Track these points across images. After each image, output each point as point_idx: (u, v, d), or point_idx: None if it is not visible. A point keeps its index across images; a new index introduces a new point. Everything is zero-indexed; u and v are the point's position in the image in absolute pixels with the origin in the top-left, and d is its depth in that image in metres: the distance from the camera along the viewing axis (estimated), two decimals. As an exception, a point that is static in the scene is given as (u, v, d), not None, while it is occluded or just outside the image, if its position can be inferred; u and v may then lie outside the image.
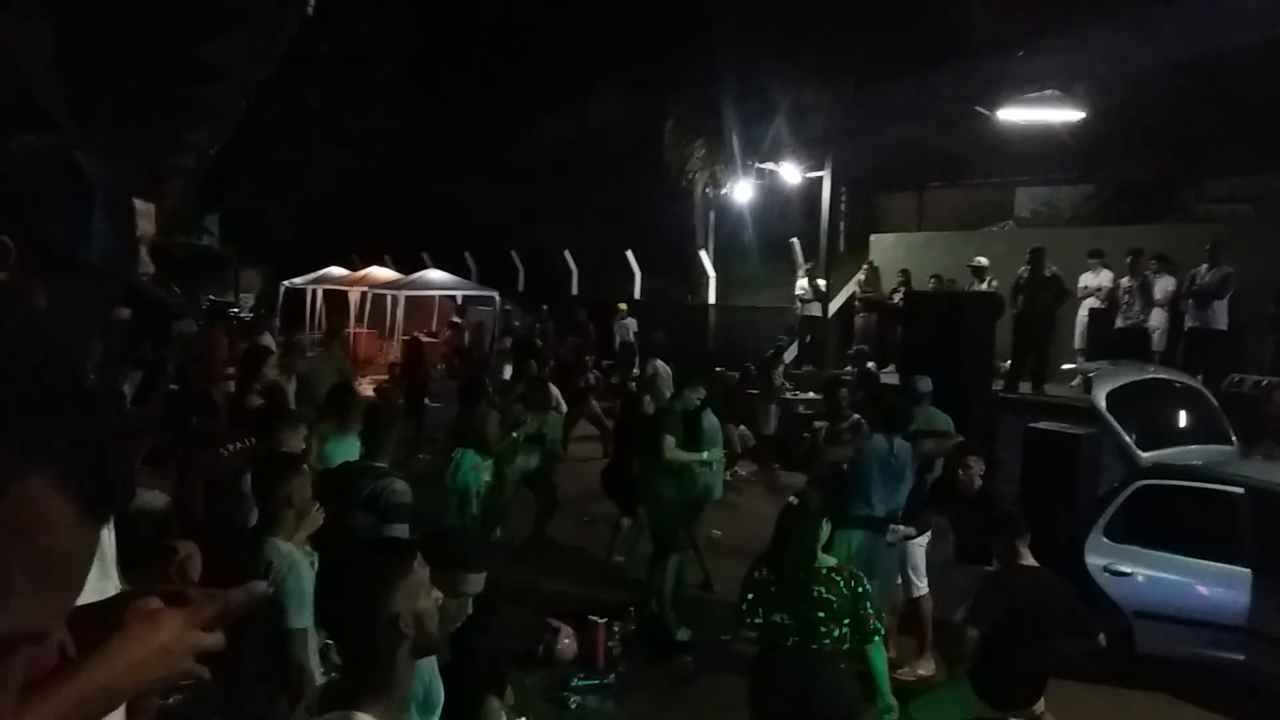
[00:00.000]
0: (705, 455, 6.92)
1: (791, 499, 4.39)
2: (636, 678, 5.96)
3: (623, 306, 19.07)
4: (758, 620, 4.21)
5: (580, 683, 5.74)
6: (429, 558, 2.33)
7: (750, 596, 4.27)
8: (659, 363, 12.00)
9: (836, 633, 4.00)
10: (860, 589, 4.06)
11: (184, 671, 1.09)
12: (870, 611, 4.07)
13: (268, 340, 11.36)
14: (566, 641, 6.07)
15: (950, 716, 4.65)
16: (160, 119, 5.50)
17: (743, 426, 11.48)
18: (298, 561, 3.26)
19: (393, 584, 1.94)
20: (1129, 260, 12.00)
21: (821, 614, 4.00)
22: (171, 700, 4.28)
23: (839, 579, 4.07)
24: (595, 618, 6.16)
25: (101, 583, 1.69)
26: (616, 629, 6.26)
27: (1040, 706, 4.61)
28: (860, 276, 16.73)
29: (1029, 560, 4.76)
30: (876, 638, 4.08)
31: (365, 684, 1.89)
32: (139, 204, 1.49)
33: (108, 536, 1.67)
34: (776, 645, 4.16)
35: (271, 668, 3.31)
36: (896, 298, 15.14)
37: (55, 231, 1.10)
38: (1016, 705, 4.60)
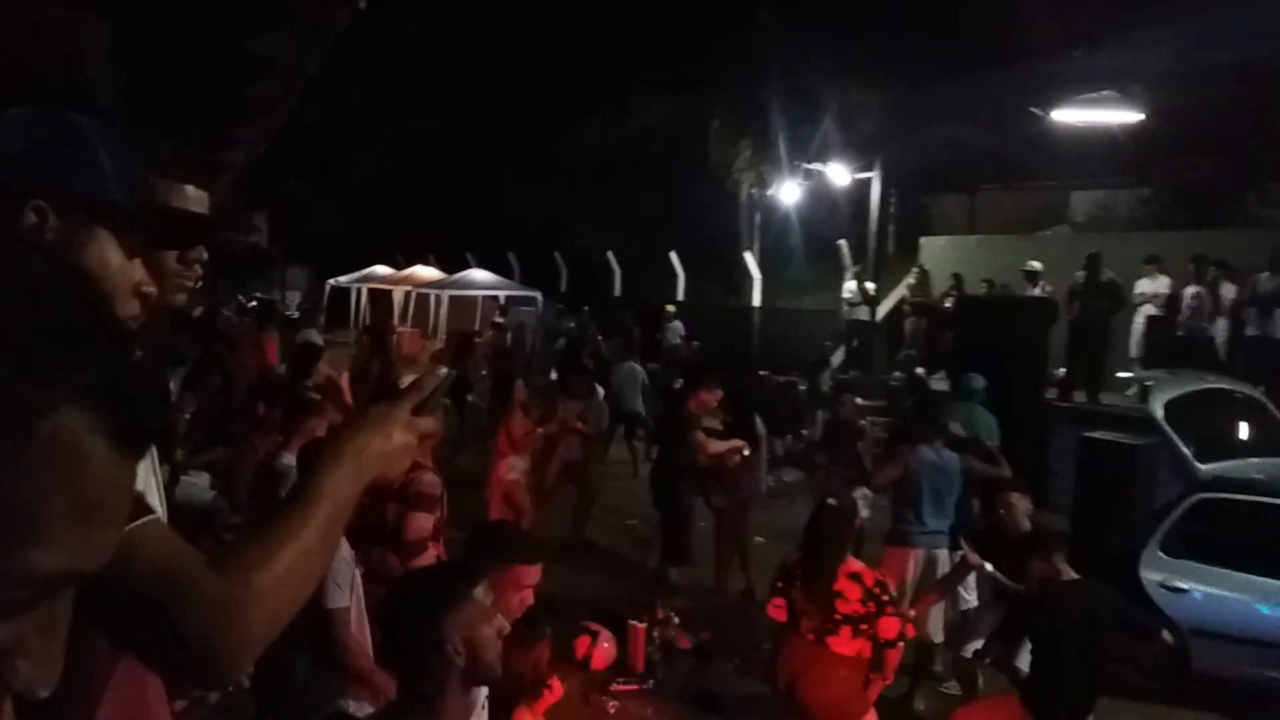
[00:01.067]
0: (735, 445, 6.89)
1: (830, 500, 4.39)
2: (675, 683, 5.89)
3: (670, 309, 18.98)
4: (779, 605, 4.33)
5: (617, 686, 5.69)
6: (484, 551, 2.33)
7: (779, 585, 4.39)
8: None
9: (852, 635, 4.04)
10: (885, 597, 4.08)
11: (412, 456, 1.26)
12: (893, 616, 4.09)
13: (315, 337, 11.50)
14: (605, 645, 6.02)
15: None
16: (211, 114, 5.58)
17: (789, 437, 11.38)
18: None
19: (446, 608, 1.92)
20: (1192, 267, 11.68)
21: (839, 615, 4.06)
22: (214, 698, 4.33)
23: (862, 584, 4.11)
24: (635, 621, 6.11)
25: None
26: (656, 633, 6.20)
27: None
28: (910, 280, 16.50)
29: (1069, 574, 4.64)
30: (902, 641, 4.08)
31: (413, 706, 1.87)
32: (193, 190, 1.48)
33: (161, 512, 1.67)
34: (795, 630, 4.22)
35: (309, 654, 3.33)
36: (948, 302, 14.91)
37: (71, 180, 1.09)
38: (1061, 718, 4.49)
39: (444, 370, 1.46)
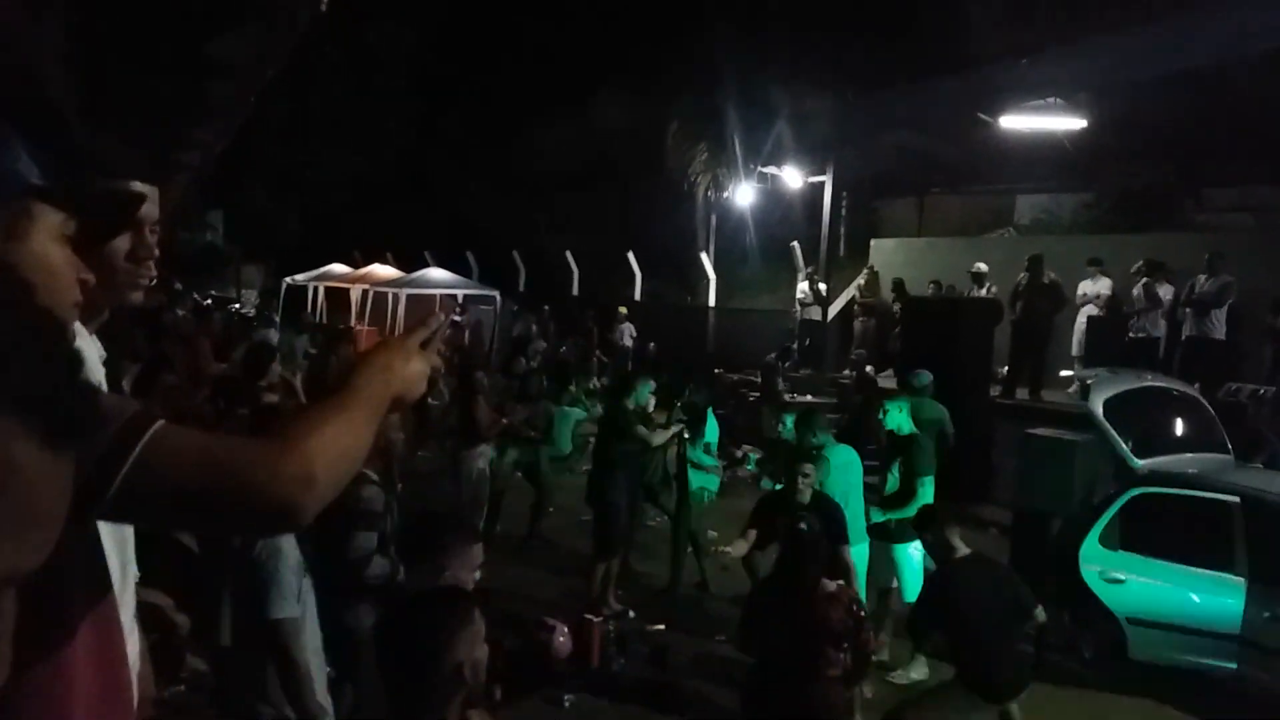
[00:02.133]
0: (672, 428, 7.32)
1: (801, 525, 4.39)
2: (631, 677, 5.99)
3: (622, 310, 19.12)
4: (754, 642, 4.30)
5: (575, 681, 5.77)
6: (414, 549, 2.32)
7: (751, 621, 4.37)
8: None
9: (836, 658, 4.04)
10: (862, 613, 4.12)
11: (422, 388, 1.36)
12: (869, 636, 4.12)
13: (273, 337, 11.37)
14: (561, 640, 6.09)
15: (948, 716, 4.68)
16: (167, 115, 5.52)
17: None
18: (280, 548, 3.24)
19: (458, 634, 1.94)
20: (1139, 268, 11.94)
21: (821, 640, 4.05)
22: (167, 693, 4.32)
23: (840, 605, 4.12)
24: (591, 616, 6.20)
25: (123, 569, 1.72)
26: (611, 628, 6.29)
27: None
28: (860, 281, 16.79)
29: (964, 550, 4.80)
30: (873, 659, 4.11)
31: None
32: (143, 187, 1.50)
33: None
34: (773, 667, 4.20)
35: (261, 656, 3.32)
36: (897, 306, 15.24)
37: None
38: (1008, 695, 4.65)
39: (444, 315, 1.57)
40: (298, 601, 3.23)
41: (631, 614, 6.92)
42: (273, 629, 3.15)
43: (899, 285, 15.31)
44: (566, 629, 6.17)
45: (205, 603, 3.86)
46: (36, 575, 0.78)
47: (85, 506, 1.03)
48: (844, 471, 6.16)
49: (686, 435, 7.56)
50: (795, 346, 16.16)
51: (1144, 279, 11.80)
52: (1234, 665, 5.82)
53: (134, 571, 1.81)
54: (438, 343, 1.44)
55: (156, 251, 1.54)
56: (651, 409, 7.72)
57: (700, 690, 5.80)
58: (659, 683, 5.93)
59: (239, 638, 3.32)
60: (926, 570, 4.92)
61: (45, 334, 0.61)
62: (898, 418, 6.65)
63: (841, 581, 4.35)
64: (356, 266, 23.57)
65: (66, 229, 1.16)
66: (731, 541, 6.04)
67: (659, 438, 7.27)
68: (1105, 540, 6.47)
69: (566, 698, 5.62)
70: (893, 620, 6.41)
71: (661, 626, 6.73)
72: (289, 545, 3.29)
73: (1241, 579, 5.88)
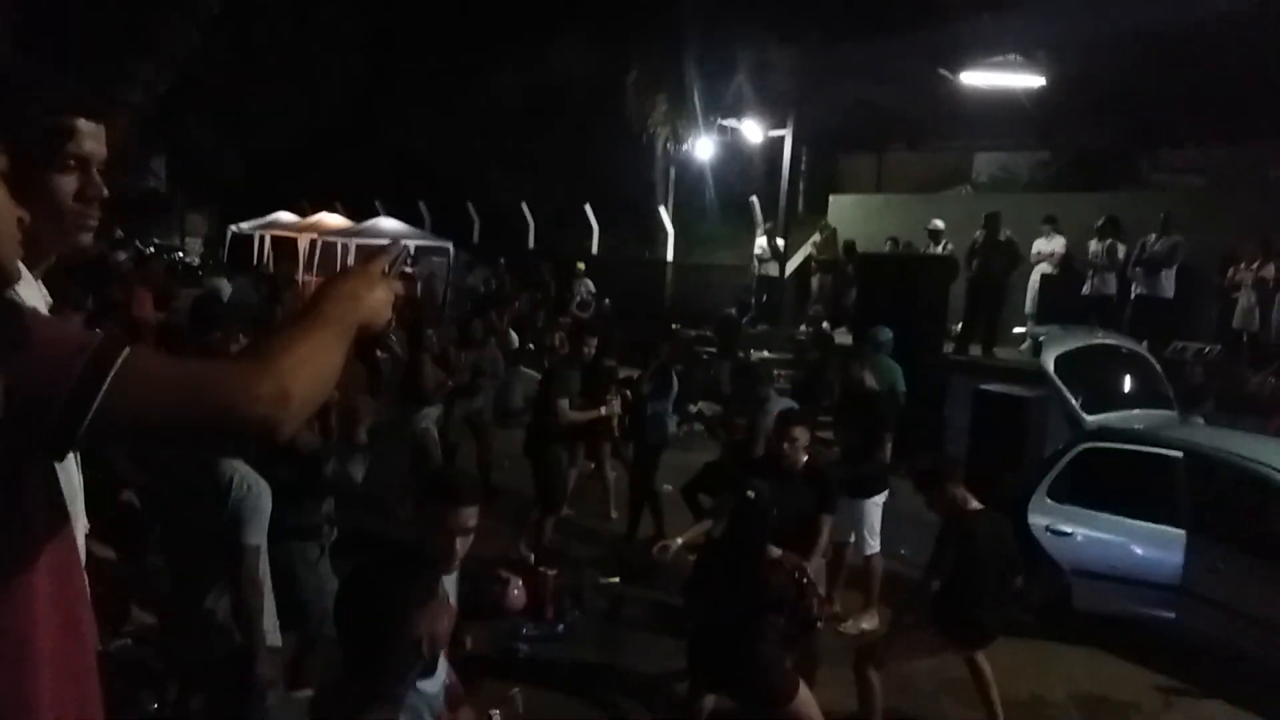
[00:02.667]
0: (602, 410, 7.16)
1: (749, 492, 4.38)
2: (585, 629, 6.00)
3: (580, 266, 18.87)
4: (700, 605, 4.34)
5: (529, 633, 5.76)
6: (430, 497, 2.33)
7: (696, 583, 4.46)
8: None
9: (776, 623, 4.08)
10: (805, 580, 4.13)
11: (387, 315, 1.39)
12: (813, 603, 4.14)
13: (225, 287, 11.07)
14: (515, 592, 6.06)
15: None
16: (107, 47, 5.25)
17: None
18: (256, 479, 3.35)
19: (421, 607, 1.95)
20: (1102, 227, 12.06)
21: (762, 605, 4.09)
22: (113, 646, 4.23)
23: (781, 573, 4.16)
24: (545, 569, 6.17)
25: (73, 519, 1.65)
26: (566, 581, 6.28)
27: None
28: (816, 238, 16.80)
29: (975, 504, 4.86)
30: (820, 623, 4.13)
31: (370, 698, 1.87)
32: (86, 124, 1.42)
33: (77, 477, 1.65)
34: (715, 628, 4.23)
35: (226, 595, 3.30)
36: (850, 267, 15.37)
37: None
38: (985, 643, 4.76)
39: (403, 242, 1.59)
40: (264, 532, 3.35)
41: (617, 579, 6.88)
42: (242, 555, 3.25)
43: (849, 246, 15.34)
44: (520, 581, 6.14)
45: (151, 559, 3.79)
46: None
47: (60, 435, 1.07)
48: None
49: (648, 392, 7.48)
50: (753, 302, 16.17)
51: (1108, 240, 11.92)
52: (1173, 615, 5.97)
53: (84, 524, 1.75)
54: (398, 269, 1.45)
55: (105, 191, 1.46)
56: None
57: (654, 643, 5.81)
58: (613, 635, 5.94)
59: (194, 566, 3.40)
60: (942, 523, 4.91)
61: None
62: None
63: (784, 552, 4.35)
64: (304, 215, 23.05)
65: (2, 165, 1.16)
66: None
67: (577, 417, 7.04)
68: (1053, 494, 6.57)
69: (521, 648, 5.61)
70: (846, 573, 6.48)
71: (616, 579, 6.74)
72: (259, 478, 3.38)
73: (1182, 532, 6.02)
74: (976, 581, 4.66)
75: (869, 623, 6.16)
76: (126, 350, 1.12)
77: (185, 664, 3.55)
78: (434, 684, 2.32)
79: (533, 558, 6.74)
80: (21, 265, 1.27)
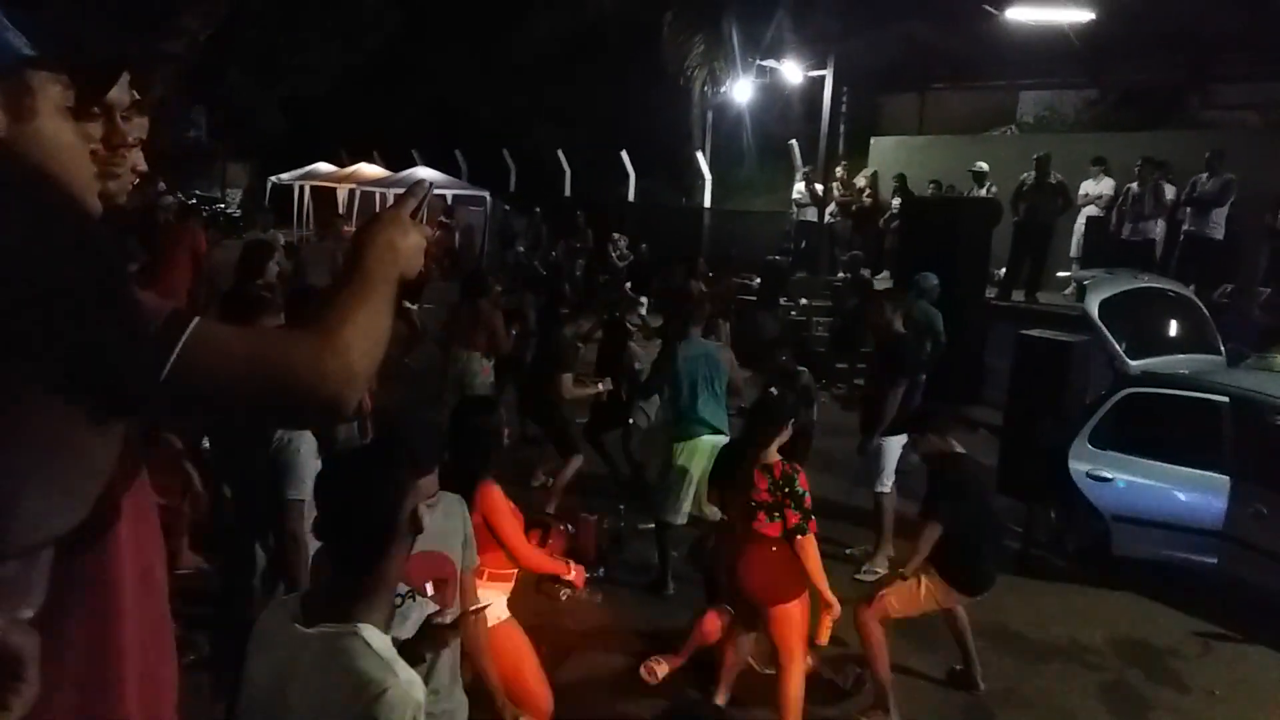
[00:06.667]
0: (600, 386, 7.11)
1: (771, 390, 4.45)
2: (624, 574, 6.10)
3: (616, 237, 18.39)
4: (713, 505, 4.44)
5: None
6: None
7: (713, 478, 4.56)
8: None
9: (769, 520, 4.13)
10: (788, 488, 4.15)
11: (420, 261, 1.37)
12: (797, 510, 4.13)
13: (272, 236, 11.12)
14: (556, 537, 6.17)
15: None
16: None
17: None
18: (299, 434, 3.36)
19: (407, 487, 1.95)
20: (1137, 168, 11.78)
21: (754, 503, 4.16)
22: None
23: (770, 476, 4.18)
24: (586, 515, 6.27)
25: None
26: (606, 525, 6.37)
27: None
28: (839, 173, 16.36)
29: (958, 448, 4.89)
30: (800, 536, 4.12)
31: (360, 592, 1.84)
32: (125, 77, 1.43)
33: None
34: (723, 529, 4.33)
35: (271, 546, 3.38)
36: (866, 198, 15.47)
37: None
38: (982, 589, 4.79)
39: (428, 182, 1.56)
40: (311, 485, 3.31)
41: (622, 508, 6.99)
42: (286, 509, 3.28)
43: (901, 180, 15.07)
44: (563, 527, 6.24)
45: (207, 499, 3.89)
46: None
47: (129, 403, 1.03)
48: (697, 364, 6.06)
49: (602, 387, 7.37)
50: (791, 255, 15.95)
51: (1153, 180, 11.61)
52: (1214, 560, 5.95)
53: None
54: (424, 212, 1.44)
55: (130, 139, 1.46)
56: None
57: (690, 587, 5.90)
58: (650, 579, 6.04)
59: (246, 517, 3.46)
60: (933, 472, 4.92)
61: (78, 221, 0.56)
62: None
63: (780, 459, 4.31)
64: (342, 165, 23.16)
65: (67, 100, 1.13)
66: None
67: (579, 393, 6.99)
68: (1095, 439, 6.53)
69: (564, 592, 5.72)
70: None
71: (654, 524, 6.82)
72: (307, 433, 3.39)
73: (1226, 477, 5.96)
74: (973, 528, 4.67)
75: (882, 565, 6.20)
76: (196, 321, 1.11)
77: (231, 613, 3.63)
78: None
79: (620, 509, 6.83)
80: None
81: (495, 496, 3.52)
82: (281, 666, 1.82)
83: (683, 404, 5.97)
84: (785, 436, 4.33)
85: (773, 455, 4.27)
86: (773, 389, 4.47)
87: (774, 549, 4.16)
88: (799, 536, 4.11)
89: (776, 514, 4.13)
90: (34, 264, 0.53)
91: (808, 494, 4.16)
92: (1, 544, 0.52)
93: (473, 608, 2.95)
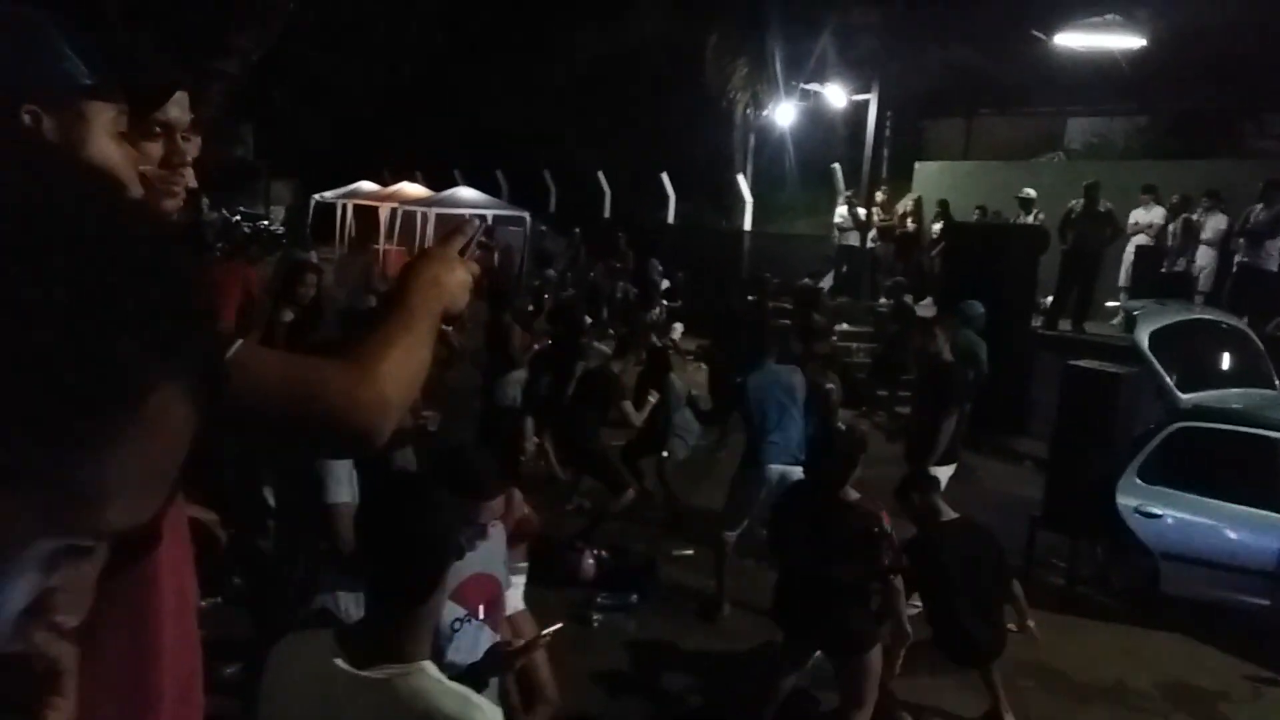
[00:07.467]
0: (651, 398, 6.92)
1: (840, 425, 4.33)
2: (659, 600, 6.04)
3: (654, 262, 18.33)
4: (779, 543, 4.27)
5: (603, 602, 5.82)
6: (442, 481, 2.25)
7: (777, 525, 4.35)
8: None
9: (852, 573, 4.00)
10: (876, 529, 4.02)
11: (466, 298, 1.37)
12: (881, 552, 4.03)
13: (312, 257, 11.25)
14: (590, 562, 6.14)
15: None
16: (209, 19, 5.38)
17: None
18: None
19: (459, 519, 1.94)
20: (1173, 203, 11.63)
21: (835, 547, 4.02)
22: (206, 604, 4.41)
23: (854, 516, 4.06)
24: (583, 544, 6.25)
25: None
26: (602, 554, 6.30)
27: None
28: (880, 197, 16.25)
29: (950, 514, 4.75)
30: (891, 576, 4.03)
31: (412, 627, 1.74)
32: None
33: None
34: (794, 576, 4.19)
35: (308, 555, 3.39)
36: (910, 224, 15.38)
37: (49, 73, 1.06)
38: (986, 660, 4.60)
39: (478, 216, 1.53)
40: (349, 487, 3.35)
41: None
42: (328, 514, 3.27)
43: (944, 206, 14.94)
44: (594, 552, 6.21)
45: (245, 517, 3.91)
46: None
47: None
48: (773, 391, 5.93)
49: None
50: (831, 272, 15.86)
51: (1199, 211, 11.41)
52: (1267, 601, 5.76)
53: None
54: (473, 250, 1.43)
55: (189, 158, 1.48)
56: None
57: (729, 617, 5.82)
58: (686, 605, 5.96)
59: (284, 529, 3.49)
60: (909, 536, 4.79)
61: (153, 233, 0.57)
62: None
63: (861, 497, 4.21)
64: (385, 184, 23.42)
65: (120, 125, 1.15)
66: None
67: (642, 414, 6.89)
68: (1144, 474, 6.37)
69: (595, 617, 5.68)
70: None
71: (690, 551, 6.76)
72: None
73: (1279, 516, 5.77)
74: (957, 598, 4.50)
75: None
76: (239, 343, 1.12)
77: (271, 625, 3.64)
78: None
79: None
80: None
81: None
82: (323, 710, 1.69)
83: (756, 431, 5.86)
84: (858, 473, 4.23)
85: (851, 493, 4.17)
86: (842, 425, 4.35)
87: (851, 607, 4.04)
88: (892, 575, 4.03)
89: (854, 557, 4.00)
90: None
91: (892, 532, 4.08)
92: (95, 521, 0.53)
93: (544, 632, 2.95)
